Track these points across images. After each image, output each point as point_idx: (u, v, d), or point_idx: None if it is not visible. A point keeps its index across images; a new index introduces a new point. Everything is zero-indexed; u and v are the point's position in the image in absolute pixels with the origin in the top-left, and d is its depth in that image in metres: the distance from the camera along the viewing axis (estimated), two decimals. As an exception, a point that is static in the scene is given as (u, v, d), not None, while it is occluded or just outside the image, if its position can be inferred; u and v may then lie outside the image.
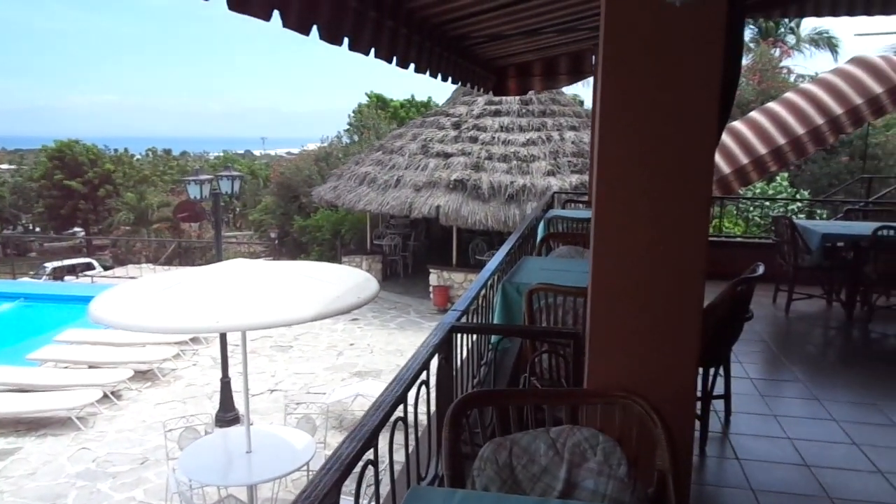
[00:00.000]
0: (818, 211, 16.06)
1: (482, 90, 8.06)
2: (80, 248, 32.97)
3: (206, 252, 26.53)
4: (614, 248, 2.14)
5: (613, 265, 2.15)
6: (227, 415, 10.13)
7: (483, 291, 3.52)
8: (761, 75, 21.60)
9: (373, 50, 3.62)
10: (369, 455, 1.89)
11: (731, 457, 3.62)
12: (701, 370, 3.68)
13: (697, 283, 2.10)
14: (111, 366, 11.71)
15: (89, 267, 24.06)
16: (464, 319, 2.98)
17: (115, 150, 38.62)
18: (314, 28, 2.66)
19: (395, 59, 4.21)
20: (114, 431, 9.94)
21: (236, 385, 10.26)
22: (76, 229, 35.31)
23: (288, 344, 13.71)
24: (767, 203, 15.37)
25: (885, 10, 5.46)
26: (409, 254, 17.40)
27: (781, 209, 14.19)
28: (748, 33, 26.21)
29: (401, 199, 13.94)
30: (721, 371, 3.93)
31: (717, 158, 11.63)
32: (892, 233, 5.86)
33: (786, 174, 17.73)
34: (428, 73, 5.37)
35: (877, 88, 10.87)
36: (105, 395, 10.62)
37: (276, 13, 2.19)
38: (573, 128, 14.82)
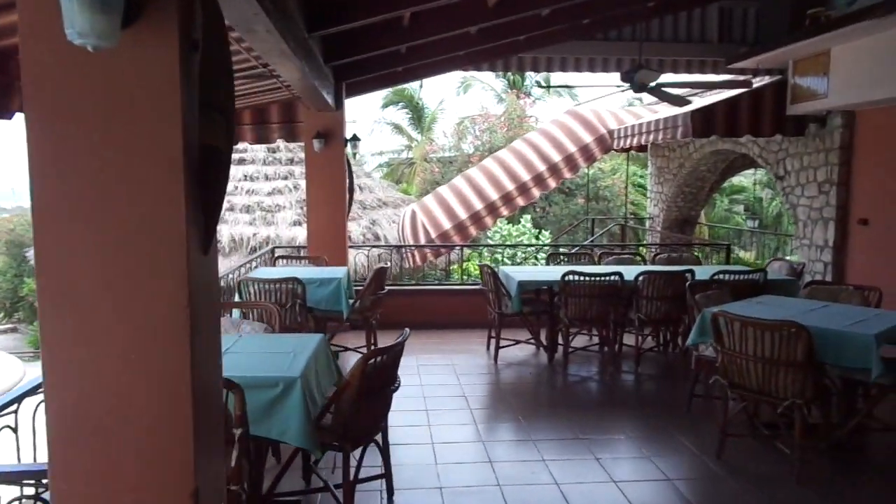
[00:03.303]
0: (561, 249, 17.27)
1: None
2: None
3: None
4: (65, 359, 1.61)
5: (70, 385, 1.62)
6: None
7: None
8: (508, 124, 23.14)
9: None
10: None
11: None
12: (341, 455, 3.28)
13: (181, 396, 1.63)
14: None
15: None
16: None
17: None
18: None
19: None
20: None
21: None
22: None
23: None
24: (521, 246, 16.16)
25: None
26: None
27: (531, 252, 14.88)
28: (499, 84, 28.15)
29: (129, 256, 12.56)
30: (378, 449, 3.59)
31: (456, 206, 11.92)
32: (577, 277, 6.10)
33: (529, 216, 18.93)
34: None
35: (586, 137, 11.86)
36: None
37: None
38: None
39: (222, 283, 5.94)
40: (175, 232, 1.57)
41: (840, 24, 6.71)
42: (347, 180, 7.80)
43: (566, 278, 6.10)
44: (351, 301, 6.14)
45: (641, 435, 4.76)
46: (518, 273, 6.62)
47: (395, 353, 3.35)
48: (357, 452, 3.42)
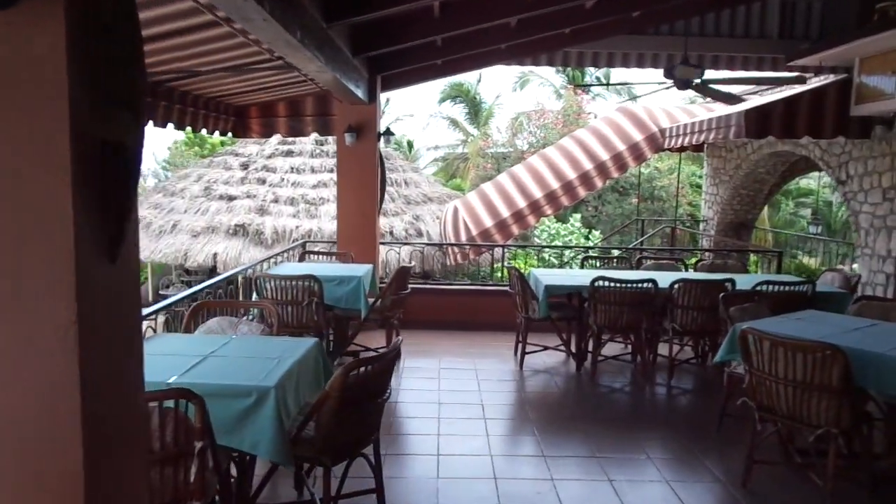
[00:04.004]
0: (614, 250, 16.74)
1: (214, 132, 7.34)
2: None
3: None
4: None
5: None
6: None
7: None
8: (564, 120, 22.68)
9: None
10: None
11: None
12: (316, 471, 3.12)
13: (68, 422, 1.47)
14: None
15: None
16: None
17: None
18: None
19: None
20: None
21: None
22: None
23: None
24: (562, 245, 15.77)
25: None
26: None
27: (578, 253, 14.50)
28: (558, 80, 27.64)
29: (175, 245, 12.75)
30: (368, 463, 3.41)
31: (499, 204, 11.66)
32: (607, 283, 5.79)
33: (579, 215, 18.49)
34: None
35: (637, 136, 11.42)
36: None
37: None
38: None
39: (241, 278, 5.89)
40: (60, 239, 1.42)
41: (911, 17, 6.18)
42: (379, 176, 7.65)
43: (596, 284, 5.80)
44: (372, 300, 5.99)
45: (664, 456, 4.45)
46: (546, 276, 6.34)
47: (385, 362, 3.16)
48: (349, 466, 3.27)
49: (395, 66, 7.51)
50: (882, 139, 7.73)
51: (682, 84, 6.05)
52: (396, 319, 6.28)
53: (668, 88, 6.43)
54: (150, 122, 5.58)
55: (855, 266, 10.36)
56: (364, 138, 7.42)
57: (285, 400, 2.91)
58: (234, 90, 6.92)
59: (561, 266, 14.24)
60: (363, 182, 7.52)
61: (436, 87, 28.25)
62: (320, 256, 7.54)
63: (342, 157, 7.57)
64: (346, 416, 3.01)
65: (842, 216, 22.81)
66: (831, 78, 8.41)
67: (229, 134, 7.66)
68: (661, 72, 8.47)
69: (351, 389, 2.94)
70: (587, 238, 17.50)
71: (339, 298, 5.77)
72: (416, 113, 49.81)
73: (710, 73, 6.54)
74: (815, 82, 8.90)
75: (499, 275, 11.36)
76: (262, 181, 14.00)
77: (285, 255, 7.70)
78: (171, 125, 6.01)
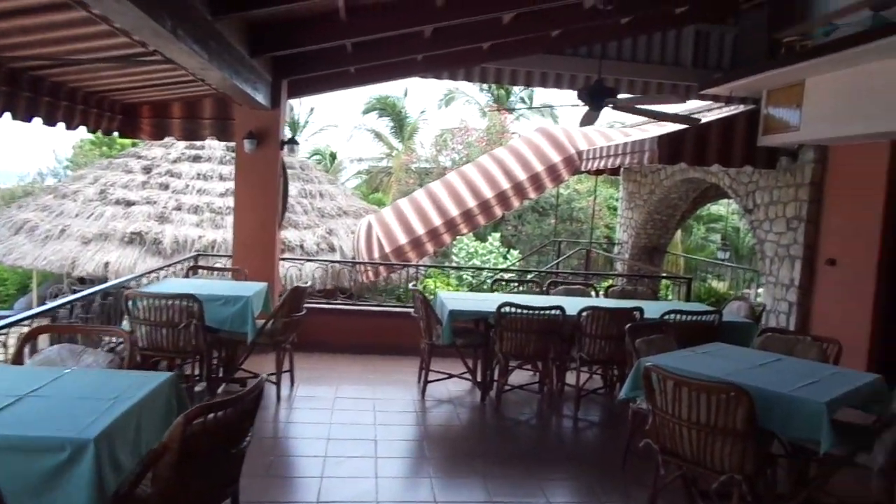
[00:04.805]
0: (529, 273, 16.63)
1: (97, 130, 6.67)
2: None
3: None
4: None
5: None
6: None
7: None
8: (487, 139, 22.68)
9: None
10: None
11: None
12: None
13: None
14: None
15: None
16: None
17: None
18: None
19: None
20: None
21: None
22: None
23: None
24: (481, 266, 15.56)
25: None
26: (98, 315, 14.89)
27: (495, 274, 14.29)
28: (483, 98, 27.64)
29: (63, 253, 11.72)
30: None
31: (414, 221, 11.30)
32: (514, 310, 5.51)
33: (498, 234, 18.37)
34: None
35: (555, 157, 11.33)
36: None
37: None
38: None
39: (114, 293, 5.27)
40: None
41: (816, 53, 6.24)
42: (282, 187, 7.16)
43: (502, 310, 5.50)
44: (262, 322, 5.48)
45: (564, 499, 4.16)
46: (452, 301, 6.01)
47: (242, 405, 2.71)
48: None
49: (303, 70, 7.07)
50: (787, 170, 7.84)
51: (596, 106, 5.88)
52: (290, 343, 5.79)
53: (576, 107, 6.24)
54: (9, 115, 4.92)
55: (760, 291, 10.56)
56: (265, 146, 6.93)
57: (113, 454, 2.42)
58: (119, 85, 6.31)
59: (477, 287, 14.02)
60: (263, 192, 7.01)
61: (361, 98, 27.84)
62: (212, 272, 6.94)
63: (241, 166, 7.04)
64: (191, 470, 2.54)
65: (749, 242, 23.72)
66: (741, 108, 8.52)
67: (115, 133, 6.99)
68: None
69: (196, 439, 2.48)
70: (505, 258, 17.36)
71: (224, 320, 5.25)
72: (340, 124, 49.11)
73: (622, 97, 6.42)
74: (726, 111, 9.01)
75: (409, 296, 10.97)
76: (165, 186, 13.13)
77: (171, 269, 7.06)
78: (38, 120, 5.35)
